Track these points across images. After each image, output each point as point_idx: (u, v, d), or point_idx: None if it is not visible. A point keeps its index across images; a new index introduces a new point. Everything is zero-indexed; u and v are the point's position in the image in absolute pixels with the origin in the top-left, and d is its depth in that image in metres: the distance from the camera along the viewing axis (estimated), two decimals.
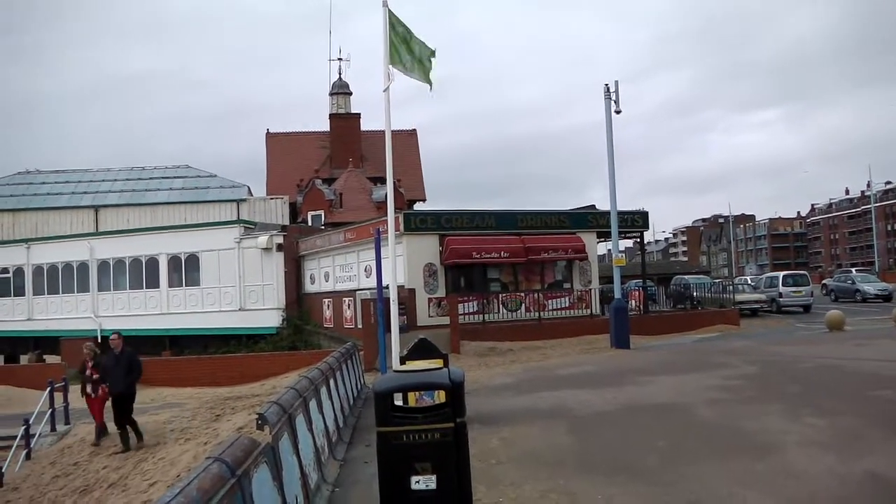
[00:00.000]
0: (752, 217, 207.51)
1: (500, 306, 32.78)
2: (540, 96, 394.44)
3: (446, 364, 7.79)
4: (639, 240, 41.58)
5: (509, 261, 33.15)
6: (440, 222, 32.75)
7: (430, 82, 18.79)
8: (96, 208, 58.15)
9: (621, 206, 31.63)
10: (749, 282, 53.85)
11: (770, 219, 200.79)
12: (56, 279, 46.30)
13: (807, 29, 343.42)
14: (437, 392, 6.94)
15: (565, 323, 32.62)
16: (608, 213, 30.37)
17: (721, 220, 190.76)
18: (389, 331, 19.38)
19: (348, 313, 35.27)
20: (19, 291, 47.40)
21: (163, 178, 62.58)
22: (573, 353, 27.25)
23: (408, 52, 18.45)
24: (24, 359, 46.66)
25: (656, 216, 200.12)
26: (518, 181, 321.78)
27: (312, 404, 10.75)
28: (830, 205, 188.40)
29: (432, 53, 18.81)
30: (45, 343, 45.96)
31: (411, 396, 6.95)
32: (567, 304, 34.13)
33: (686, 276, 59.48)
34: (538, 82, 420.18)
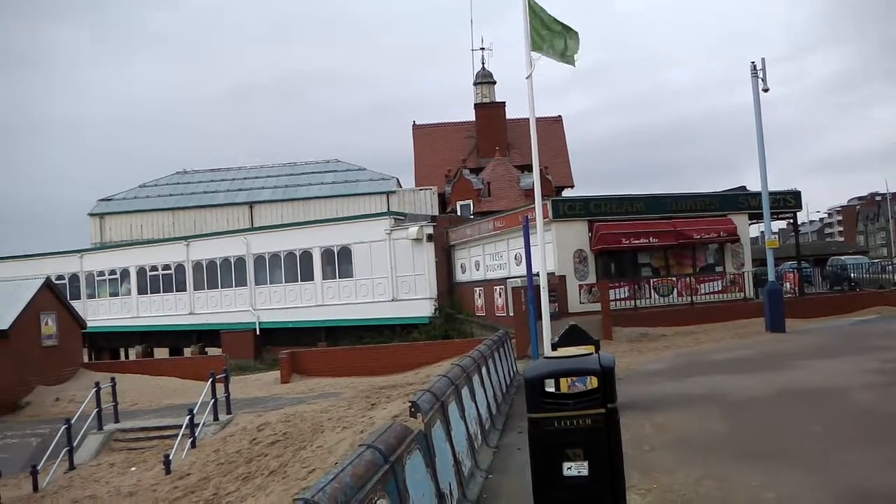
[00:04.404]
0: None
1: (652, 291, 32.44)
2: (697, 77, 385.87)
3: (598, 350, 7.83)
4: (792, 221, 40.62)
5: (660, 245, 32.73)
6: (589, 208, 32.56)
7: (573, 61, 18.80)
8: (251, 204, 59.96)
9: (776, 187, 30.93)
10: None
11: None
12: (215, 274, 47.78)
13: None
14: (589, 378, 6.95)
15: (718, 307, 32.07)
16: (759, 194, 29.75)
17: (878, 198, 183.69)
18: (541, 318, 19.47)
19: (499, 301, 35.43)
20: (181, 287, 49.05)
21: (314, 172, 64.11)
22: (726, 338, 26.83)
23: (549, 35, 18.50)
24: (187, 351, 48.36)
25: (811, 196, 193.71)
26: (671, 165, 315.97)
27: (465, 392, 10.88)
28: None
29: (576, 34, 18.83)
30: (207, 336, 47.57)
31: (563, 382, 6.98)
32: (720, 288, 33.57)
33: (842, 257, 57.75)
34: (696, 63, 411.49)
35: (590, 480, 6.80)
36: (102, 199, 63.40)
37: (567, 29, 18.86)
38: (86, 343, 43.18)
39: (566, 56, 18.76)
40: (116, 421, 25.60)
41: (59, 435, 23.06)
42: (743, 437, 11.66)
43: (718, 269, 34.20)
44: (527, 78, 18.65)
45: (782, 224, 59.63)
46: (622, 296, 31.60)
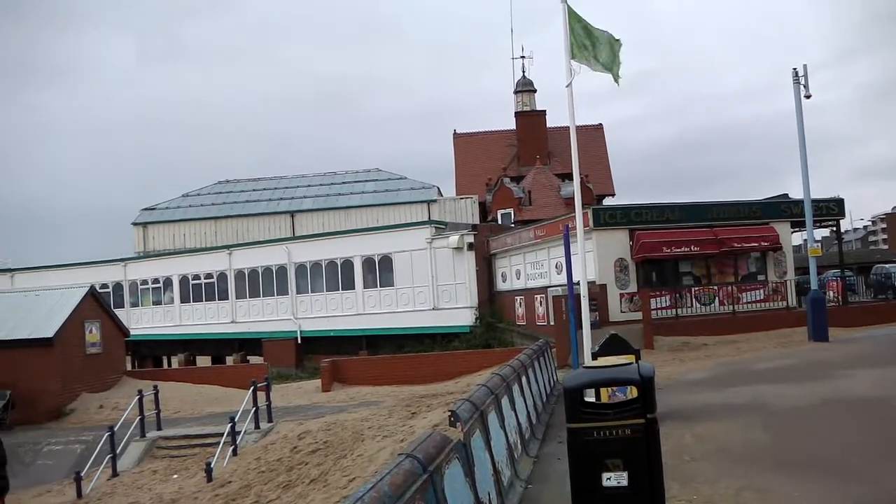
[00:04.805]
0: None
1: (693, 300, 32.27)
2: (740, 83, 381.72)
3: (638, 359, 7.80)
4: (835, 228, 40.27)
5: (701, 254, 32.55)
6: (630, 217, 32.49)
7: (616, 76, 18.76)
8: (292, 214, 60.33)
9: (822, 194, 30.65)
10: None
11: None
12: (257, 283, 47.98)
13: None
14: (628, 388, 6.94)
15: (760, 316, 31.81)
16: (802, 201, 29.48)
17: None
18: (581, 327, 19.42)
19: (540, 310, 35.39)
20: (223, 295, 49.35)
21: (354, 181, 64.38)
22: (769, 347, 26.63)
23: (591, 46, 18.48)
24: (229, 360, 48.63)
25: (855, 204, 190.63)
26: (714, 172, 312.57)
27: (504, 401, 10.86)
28: None
29: (619, 44, 18.80)
30: (249, 344, 47.79)
31: (604, 392, 6.98)
32: (762, 297, 33.31)
33: (887, 265, 57.11)
34: (739, 69, 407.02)
35: (629, 491, 6.79)
36: (145, 209, 64.02)
37: (611, 38, 18.84)
38: (129, 351, 43.60)
39: (608, 68, 18.71)
40: (159, 428, 25.86)
41: (102, 442, 23.34)
42: (785, 448, 11.57)
43: (760, 277, 33.94)
44: (567, 86, 18.64)
45: (825, 232, 58.99)
46: (663, 305, 31.45)
